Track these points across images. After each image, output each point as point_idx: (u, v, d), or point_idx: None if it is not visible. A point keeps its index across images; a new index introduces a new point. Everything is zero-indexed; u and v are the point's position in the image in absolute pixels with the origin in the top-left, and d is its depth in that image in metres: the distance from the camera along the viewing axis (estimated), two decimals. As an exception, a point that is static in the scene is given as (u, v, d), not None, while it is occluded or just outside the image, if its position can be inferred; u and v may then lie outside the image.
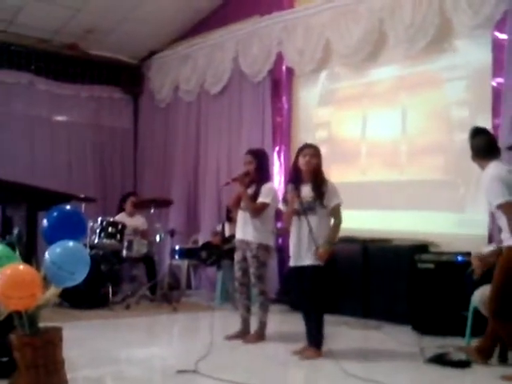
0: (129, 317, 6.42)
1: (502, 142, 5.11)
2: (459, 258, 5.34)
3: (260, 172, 5.24)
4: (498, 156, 4.33)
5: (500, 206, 4.02)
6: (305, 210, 4.60)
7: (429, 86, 6.43)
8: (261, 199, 5.14)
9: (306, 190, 4.67)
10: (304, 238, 4.62)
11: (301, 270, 4.68)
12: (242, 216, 5.28)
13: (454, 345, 4.81)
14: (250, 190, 5.20)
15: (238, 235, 5.32)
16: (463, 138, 4.95)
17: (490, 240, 4.91)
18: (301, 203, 4.61)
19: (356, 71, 7.02)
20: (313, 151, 4.71)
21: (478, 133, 4.40)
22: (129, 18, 8.36)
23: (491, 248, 4.59)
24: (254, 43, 7.78)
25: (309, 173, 4.67)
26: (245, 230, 5.23)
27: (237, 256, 5.34)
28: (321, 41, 7.07)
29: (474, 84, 6.03)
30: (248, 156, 5.31)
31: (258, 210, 5.13)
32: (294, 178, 4.74)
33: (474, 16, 5.65)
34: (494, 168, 4.14)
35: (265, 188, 5.18)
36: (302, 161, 4.68)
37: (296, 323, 4.82)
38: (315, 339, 4.66)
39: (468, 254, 5.17)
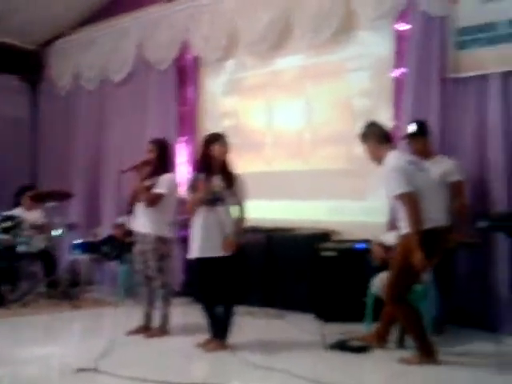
0: (27, 315, 6.09)
1: (402, 131, 5.22)
2: (360, 246, 5.40)
3: (161, 162, 5.12)
4: (394, 146, 4.38)
5: (399, 196, 4.06)
6: (214, 200, 4.53)
7: (333, 76, 6.48)
8: (156, 189, 5.01)
9: (216, 180, 4.59)
10: (213, 228, 4.53)
11: (209, 262, 4.57)
12: (139, 208, 5.13)
13: (355, 331, 4.86)
14: (150, 181, 5.05)
15: (137, 227, 5.17)
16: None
17: (390, 227, 4.97)
18: (211, 193, 4.54)
19: (262, 60, 6.98)
20: (228, 142, 4.66)
21: (372, 123, 4.45)
22: (29, 1, 7.93)
23: (391, 235, 4.67)
24: (160, 30, 7.59)
25: (221, 163, 4.60)
26: (143, 222, 5.09)
27: (136, 249, 5.19)
28: (227, 29, 6.99)
29: (376, 74, 6.13)
30: (150, 145, 5.18)
31: (152, 201, 5.00)
32: (204, 167, 4.63)
33: (377, 7, 5.72)
34: (394, 158, 4.17)
35: (162, 178, 5.05)
36: (218, 150, 4.59)
37: (200, 316, 4.72)
38: (222, 331, 4.60)
39: (369, 241, 5.23)
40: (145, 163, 5.08)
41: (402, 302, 4.17)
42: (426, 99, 5.48)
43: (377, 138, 4.32)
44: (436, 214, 4.10)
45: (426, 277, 4.34)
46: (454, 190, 4.63)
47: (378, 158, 4.30)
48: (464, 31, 5.28)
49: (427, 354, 4.11)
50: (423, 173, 4.22)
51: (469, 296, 5.18)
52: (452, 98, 5.40)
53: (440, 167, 4.69)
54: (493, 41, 5.12)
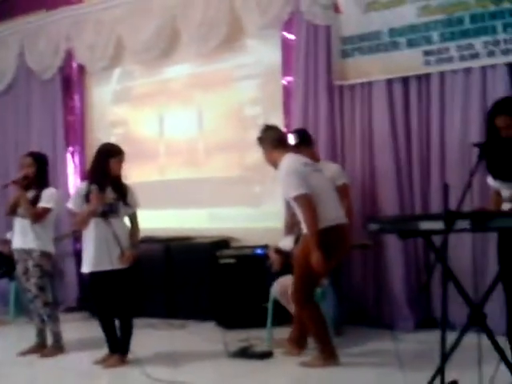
0: None
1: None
2: (258, 251, 5.48)
3: (41, 176, 4.96)
4: (289, 150, 4.46)
5: (295, 198, 4.13)
6: (108, 212, 4.45)
7: (222, 85, 6.51)
8: (42, 204, 4.85)
9: (108, 192, 4.50)
10: (107, 241, 4.42)
11: (104, 275, 4.46)
12: (19, 223, 4.93)
13: (257, 337, 4.90)
14: (29, 195, 4.88)
15: (17, 244, 4.96)
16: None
17: (287, 232, 5.07)
18: (105, 204, 4.45)
19: (150, 69, 6.90)
20: (124, 156, 4.59)
21: (269, 127, 4.50)
22: None
23: (288, 240, 4.76)
24: (41, 39, 7.31)
25: (115, 175, 4.54)
26: (24, 237, 4.89)
27: (19, 268, 4.99)
28: (112, 37, 6.85)
29: (265, 83, 6.21)
30: (28, 158, 4.99)
31: (39, 216, 4.84)
32: (97, 178, 4.51)
33: (263, 15, 5.80)
34: (289, 161, 4.22)
35: (46, 193, 4.90)
36: (115, 164, 4.51)
37: (98, 330, 4.60)
38: (121, 345, 4.51)
39: (267, 246, 5.31)
40: (25, 177, 4.88)
41: (309, 303, 4.22)
42: (315, 106, 5.64)
43: (272, 142, 4.36)
44: (335, 212, 4.21)
45: (324, 279, 4.44)
46: (340, 193, 4.78)
47: (274, 162, 4.35)
48: (348, 40, 5.48)
49: (329, 357, 4.19)
50: (319, 173, 4.31)
51: (365, 296, 5.39)
52: (339, 105, 5.59)
53: (326, 172, 4.81)
54: (376, 49, 5.34)
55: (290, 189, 4.11)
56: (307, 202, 4.08)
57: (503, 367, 3.08)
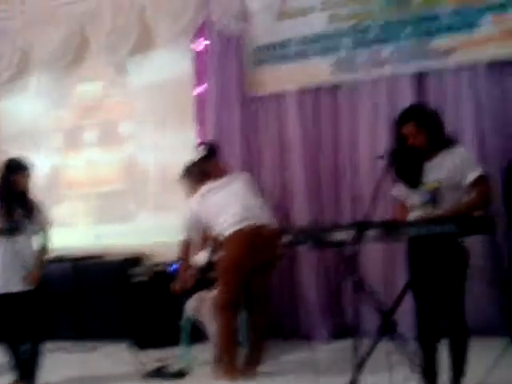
0: None
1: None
2: (172, 268, 5.30)
3: None
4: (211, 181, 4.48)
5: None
6: (13, 230, 4.25)
7: (133, 95, 6.34)
8: None
9: (16, 208, 4.29)
10: (12, 260, 4.22)
11: (9, 297, 4.24)
12: None
13: (173, 355, 4.78)
14: None
15: None
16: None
17: (200, 247, 4.93)
18: (11, 222, 4.24)
19: (61, 79, 6.64)
20: (31, 171, 4.42)
21: (191, 165, 4.62)
22: None
23: (202, 254, 4.66)
24: None
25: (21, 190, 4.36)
26: None
27: None
28: (18, 47, 6.62)
29: (178, 93, 6.05)
30: None
31: None
32: (4, 195, 4.31)
33: (174, 25, 5.71)
34: (193, 201, 4.42)
35: None
36: (21, 181, 4.34)
37: (4, 356, 4.36)
38: (30, 371, 4.27)
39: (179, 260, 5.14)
40: None
41: (227, 310, 4.16)
42: (228, 117, 5.57)
43: (194, 178, 4.50)
44: (240, 217, 4.17)
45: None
46: None
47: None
48: (260, 49, 5.46)
49: (229, 371, 4.13)
50: (221, 190, 4.36)
51: (280, 309, 5.32)
52: (253, 116, 5.54)
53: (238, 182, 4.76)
54: (288, 58, 5.33)
55: (185, 228, 4.40)
56: (184, 245, 4.45)
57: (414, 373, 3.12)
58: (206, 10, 5.60)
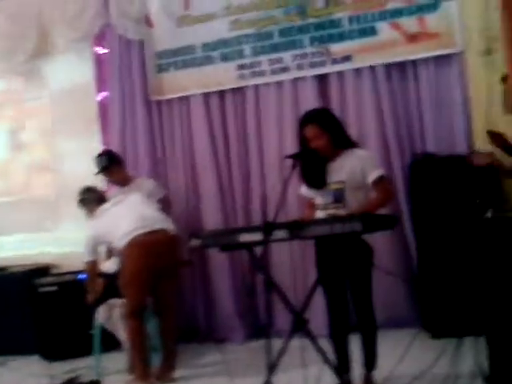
0: None
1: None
2: (81, 277, 5.19)
3: None
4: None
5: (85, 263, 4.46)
6: None
7: (33, 101, 6.19)
8: None
9: None
10: None
11: None
12: None
13: (85, 366, 4.71)
14: None
15: None
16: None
17: (108, 256, 4.87)
18: None
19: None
20: None
21: (87, 189, 4.63)
22: None
23: (111, 262, 4.61)
24: None
25: None
26: None
27: None
28: None
29: (80, 99, 5.91)
30: None
31: None
32: None
33: (72, 29, 5.57)
34: (91, 225, 4.43)
35: None
36: None
37: None
38: None
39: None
40: None
41: (134, 317, 4.12)
42: (132, 123, 5.53)
43: (90, 204, 4.48)
44: (136, 224, 4.16)
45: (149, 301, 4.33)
46: (164, 205, 4.75)
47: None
48: (162, 55, 5.45)
49: (140, 377, 4.10)
50: (120, 204, 4.37)
51: (195, 313, 5.34)
52: (158, 121, 5.52)
53: (143, 189, 4.73)
54: (190, 64, 5.35)
55: (84, 253, 4.39)
56: (88, 268, 4.43)
57: (328, 368, 3.16)
58: (106, 14, 5.51)
